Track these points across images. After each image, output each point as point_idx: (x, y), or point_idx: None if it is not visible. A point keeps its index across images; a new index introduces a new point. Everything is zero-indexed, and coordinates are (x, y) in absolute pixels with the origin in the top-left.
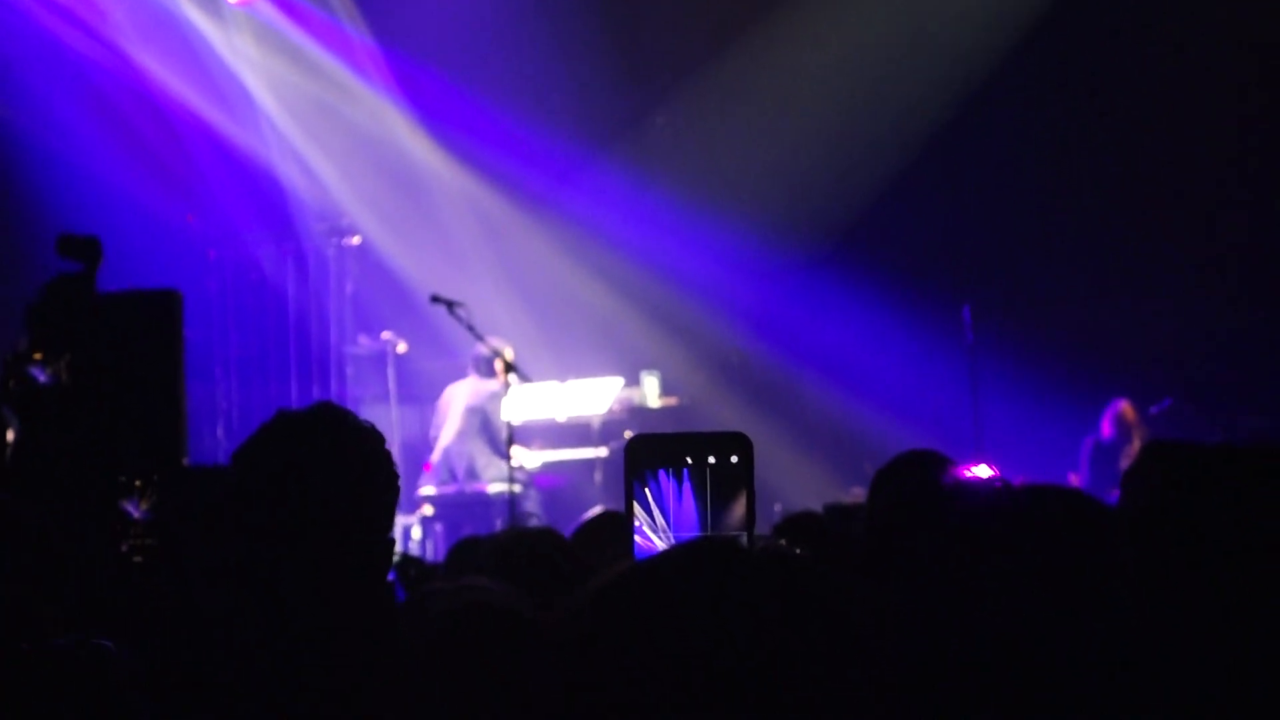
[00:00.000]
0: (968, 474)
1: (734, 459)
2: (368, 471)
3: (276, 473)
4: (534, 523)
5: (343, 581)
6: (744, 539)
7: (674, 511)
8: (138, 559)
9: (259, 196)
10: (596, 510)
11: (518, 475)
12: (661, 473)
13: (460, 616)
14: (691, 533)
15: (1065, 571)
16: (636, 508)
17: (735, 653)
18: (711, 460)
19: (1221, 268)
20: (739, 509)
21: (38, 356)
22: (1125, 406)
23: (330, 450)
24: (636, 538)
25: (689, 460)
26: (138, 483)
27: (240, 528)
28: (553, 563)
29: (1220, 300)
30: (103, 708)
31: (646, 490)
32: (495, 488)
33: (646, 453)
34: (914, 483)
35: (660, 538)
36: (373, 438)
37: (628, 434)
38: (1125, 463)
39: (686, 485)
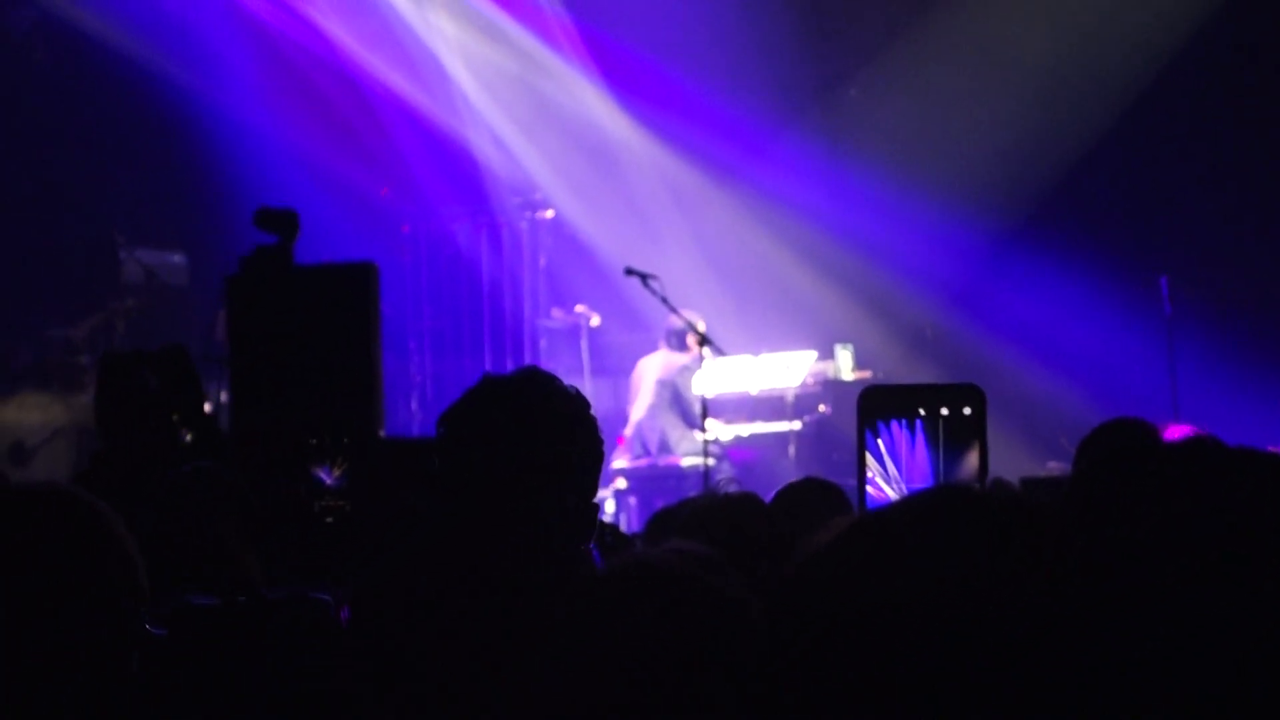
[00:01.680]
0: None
1: (966, 410)
2: (574, 435)
3: (484, 435)
4: (733, 488)
5: (548, 544)
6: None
7: (906, 462)
8: (329, 520)
9: (453, 171)
10: (797, 479)
11: (711, 448)
12: (894, 423)
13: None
14: (925, 483)
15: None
16: (868, 458)
17: (980, 600)
18: (944, 412)
19: None
20: (972, 460)
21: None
22: None
23: (537, 413)
24: (868, 488)
25: (922, 411)
26: (331, 449)
27: (447, 489)
28: (753, 529)
29: None
30: (322, 659)
31: (879, 441)
32: (688, 461)
33: (879, 403)
34: (1122, 447)
35: (893, 488)
36: (578, 402)
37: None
38: None
39: (920, 436)
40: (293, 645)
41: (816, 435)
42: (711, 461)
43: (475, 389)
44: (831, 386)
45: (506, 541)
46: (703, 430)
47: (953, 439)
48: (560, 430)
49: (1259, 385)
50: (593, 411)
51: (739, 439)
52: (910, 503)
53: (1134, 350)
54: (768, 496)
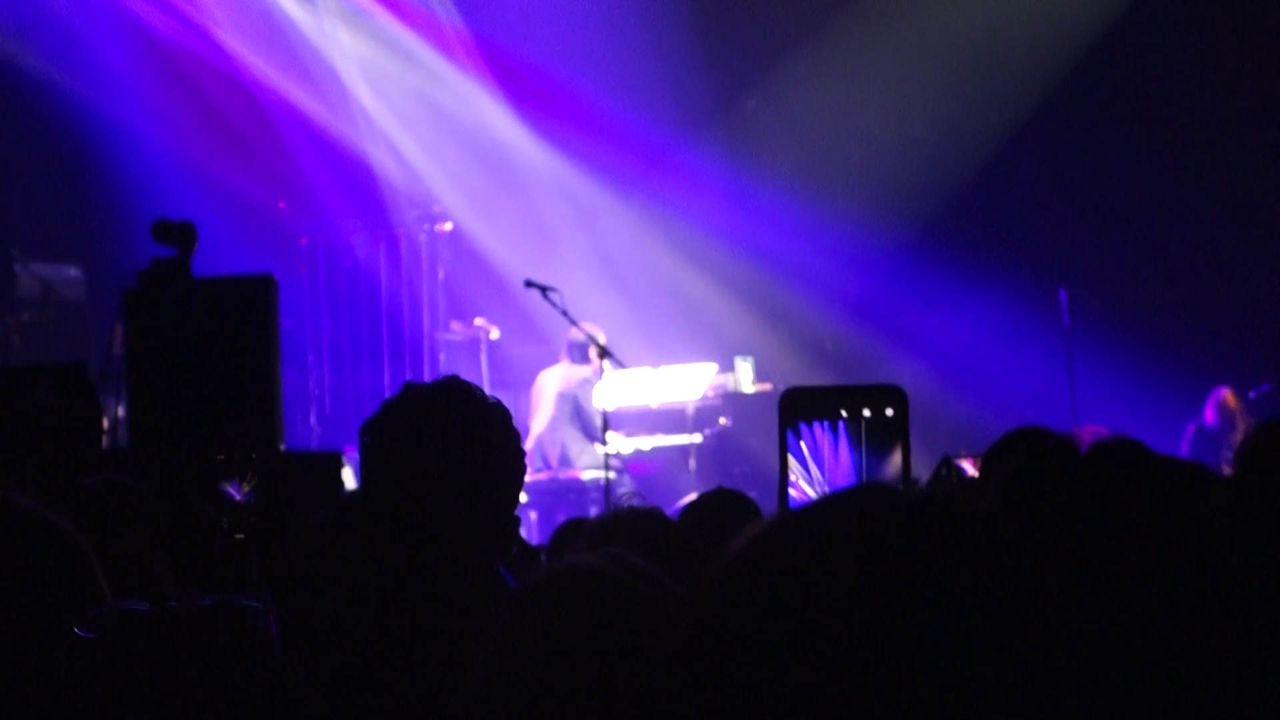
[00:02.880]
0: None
1: (889, 411)
2: (495, 444)
3: (407, 443)
4: (637, 502)
5: (470, 553)
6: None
7: (829, 463)
8: (239, 535)
9: (351, 183)
10: (693, 495)
11: (612, 462)
12: (816, 425)
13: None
14: (848, 484)
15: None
16: (790, 460)
17: (908, 598)
18: (867, 413)
19: None
20: (895, 461)
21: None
22: (1228, 394)
23: (459, 421)
24: (790, 490)
25: (844, 413)
26: (237, 464)
27: (370, 497)
28: (659, 543)
29: None
30: (254, 664)
31: (802, 442)
32: (589, 474)
33: (801, 405)
34: (1029, 455)
35: (815, 489)
36: (500, 412)
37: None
38: (1228, 450)
39: (842, 437)
40: (223, 652)
41: (717, 448)
42: (612, 475)
43: (397, 398)
44: (732, 399)
45: (429, 550)
46: (603, 443)
47: (875, 440)
48: (482, 439)
49: (1155, 394)
50: (514, 422)
51: (639, 452)
52: (833, 500)
53: (1033, 361)
54: (669, 509)
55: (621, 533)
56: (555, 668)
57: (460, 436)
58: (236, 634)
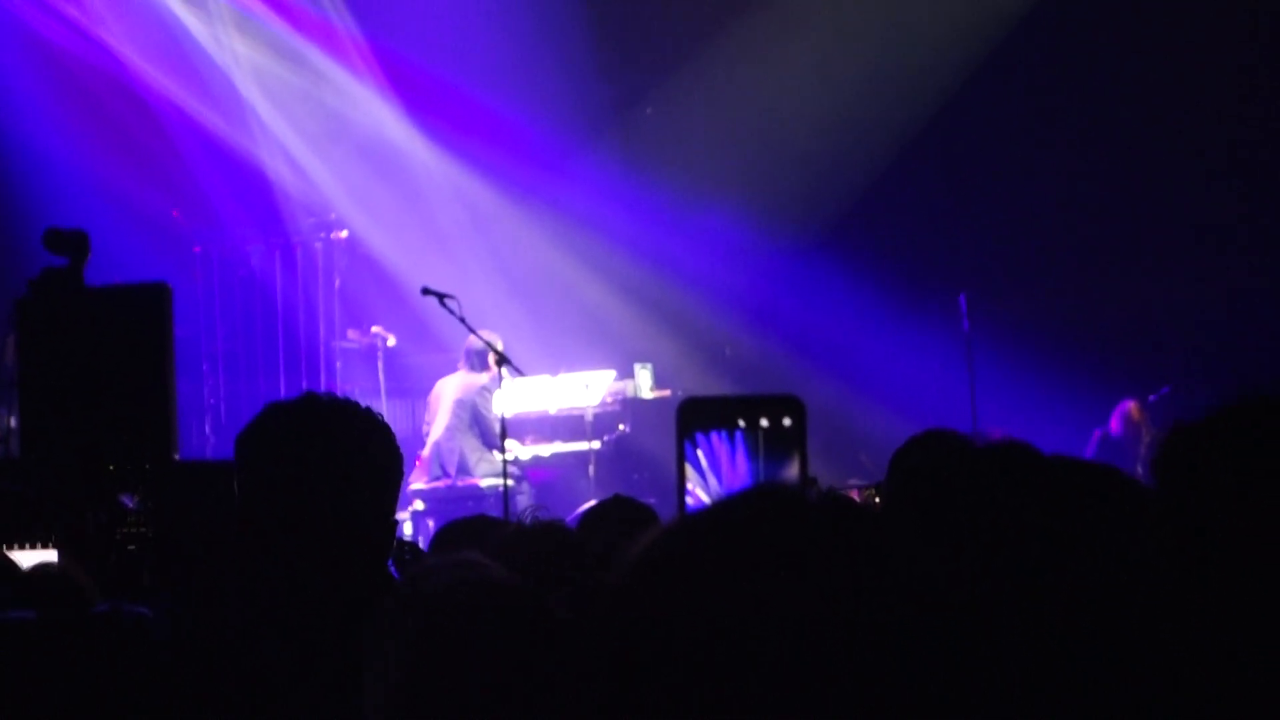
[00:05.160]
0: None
1: (787, 421)
2: (365, 450)
3: (279, 455)
4: (541, 515)
5: (343, 563)
6: None
7: (726, 473)
8: (132, 547)
9: (245, 191)
10: (592, 503)
11: (510, 469)
12: (714, 434)
13: (457, 594)
14: None
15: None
16: (688, 469)
17: (810, 597)
18: (764, 423)
19: (1217, 252)
20: (792, 470)
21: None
22: (1133, 406)
23: (325, 430)
24: (688, 499)
25: (742, 423)
26: (131, 474)
27: (244, 509)
28: (563, 558)
29: (1218, 285)
30: (144, 672)
31: (699, 452)
32: (487, 482)
33: (698, 414)
34: (926, 454)
35: (712, 499)
36: (369, 418)
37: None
38: (1135, 462)
39: (740, 447)
40: (113, 659)
41: (616, 454)
42: (511, 482)
43: (268, 408)
44: (631, 405)
45: (304, 560)
46: (502, 451)
47: (773, 449)
48: (350, 446)
49: (1056, 399)
50: (388, 427)
51: (538, 459)
52: (729, 501)
53: (933, 366)
54: (568, 516)
55: (522, 550)
56: (430, 673)
57: (322, 449)
58: (127, 641)
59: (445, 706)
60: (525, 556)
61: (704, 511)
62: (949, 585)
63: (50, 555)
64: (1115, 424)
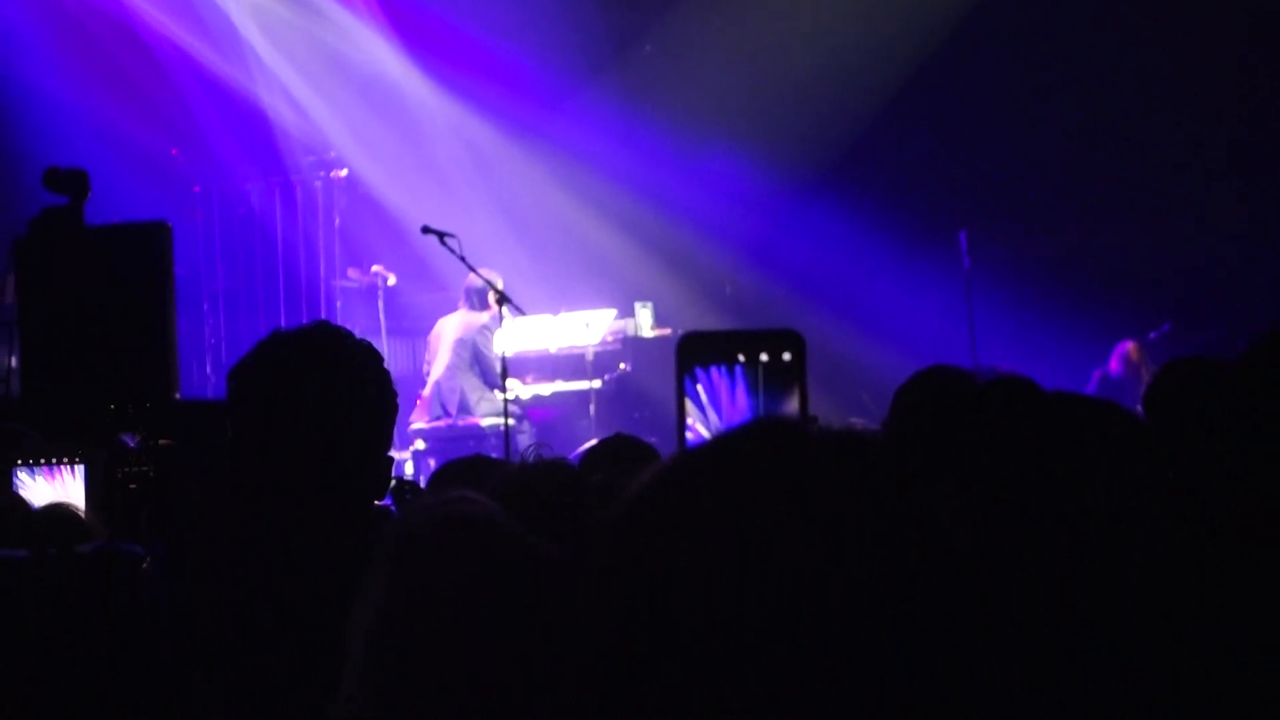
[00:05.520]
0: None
1: (786, 356)
2: (363, 384)
3: (272, 387)
4: (545, 453)
5: (340, 498)
6: None
7: (726, 408)
8: (133, 486)
9: (245, 130)
10: (593, 441)
11: (511, 408)
12: (714, 369)
13: (438, 528)
14: None
15: (1113, 482)
16: (688, 404)
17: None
18: (764, 357)
19: (1218, 190)
20: (792, 405)
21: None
22: (1133, 347)
23: (324, 363)
24: (688, 434)
25: (741, 358)
26: (131, 413)
27: (238, 444)
28: (568, 495)
29: (1218, 222)
30: (132, 611)
31: (699, 387)
32: (488, 421)
33: (698, 350)
34: (928, 389)
35: (712, 433)
36: (367, 353)
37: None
38: (1134, 400)
39: (740, 382)
40: (104, 597)
41: (617, 393)
42: (512, 421)
43: (262, 343)
44: (631, 344)
45: (300, 495)
46: (502, 390)
47: (773, 384)
48: (348, 380)
49: (1056, 338)
50: (384, 363)
51: (539, 398)
52: (730, 434)
53: (933, 305)
54: (569, 454)
55: (527, 487)
56: (433, 608)
57: (328, 376)
58: (117, 580)
59: (420, 641)
60: (527, 494)
61: (702, 446)
62: (951, 521)
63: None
64: (1115, 364)
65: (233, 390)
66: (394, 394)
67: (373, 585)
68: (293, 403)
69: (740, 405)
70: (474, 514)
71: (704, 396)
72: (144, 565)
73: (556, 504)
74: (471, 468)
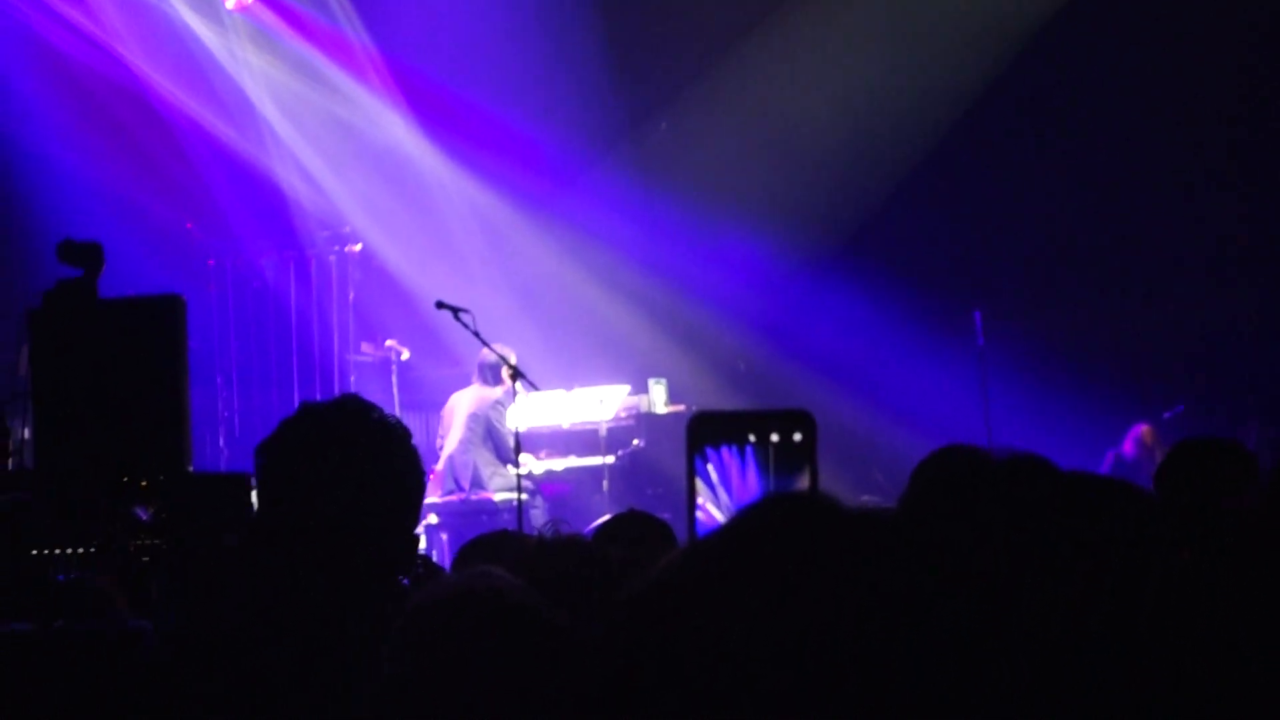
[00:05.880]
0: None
1: (797, 436)
2: (393, 462)
3: (302, 462)
4: (563, 529)
5: (365, 576)
6: None
7: (737, 488)
8: (145, 559)
9: (260, 204)
10: (606, 517)
11: (524, 483)
12: (724, 449)
13: (459, 604)
14: None
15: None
16: (699, 484)
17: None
18: (775, 438)
19: (1232, 271)
20: (803, 484)
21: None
22: (1147, 430)
23: (355, 439)
24: (698, 514)
25: (752, 438)
26: (144, 486)
27: (266, 519)
28: (584, 571)
29: (1233, 304)
30: (140, 685)
31: (710, 466)
32: (501, 496)
33: (709, 429)
34: (958, 468)
35: (724, 514)
36: (398, 429)
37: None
38: (1147, 483)
39: (750, 462)
40: (109, 672)
41: (630, 469)
42: (525, 496)
43: (292, 417)
44: (645, 420)
45: (329, 570)
46: (516, 465)
47: (783, 464)
48: (379, 457)
49: (1070, 417)
50: (413, 440)
51: (552, 473)
52: (746, 515)
53: (947, 383)
54: (583, 530)
55: (544, 563)
56: (448, 680)
57: (356, 454)
58: (120, 656)
59: (438, 713)
60: (546, 571)
61: (719, 529)
62: (966, 592)
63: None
64: (1129, 446)
65: (262, 463)
66: (422, 471)
67: (387, 656)
68: (321, 478)
69: (751, 485)
70: (489, 588)
71: (714, 476)
72: (148, 640)
73: (573, 578)
74: (494, 544)
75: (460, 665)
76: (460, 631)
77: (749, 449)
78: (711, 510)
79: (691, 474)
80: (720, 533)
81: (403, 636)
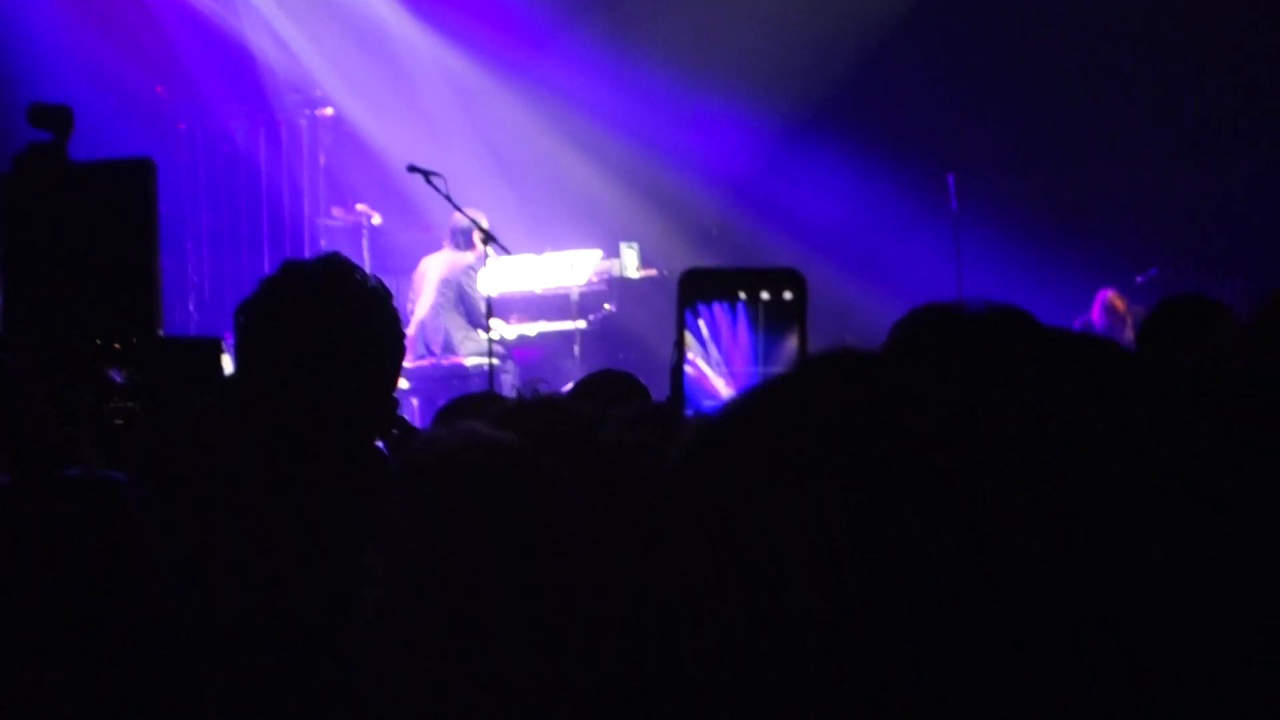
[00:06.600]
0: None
1: (787, 295)
2: (373, 321)
3: (284, 319)
4: (543, 389)
5: (344, 436)
6: None
7: (727, 344)
8: (119, 421)
9: (230, 68)
10: (595, 371)
11: (495, 348)
12: (715, 305)
13: (462, 456)
14: (746, 366)
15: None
16: (688, 338)
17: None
18: (765, 296)
19: (1207, 132)
20: (792, 344)
21: None
22: (1113, 296)
23: (337, 297)
24: (688, 368)
25: (742, 295)
26: (117, 349)
27: (246, 376)
28: (564, 427)
29: (1208, 167)
30: (116, 538)
31: (700, 322)
32: (472, 360)
33: (700, 286)
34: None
35: (714, 369)
36: (380, 292)
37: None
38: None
39: (741, 318)
40: (86, 523)
41: (602, 333)
42: (496, 361)
43: (275, 275)
44: (617, 284)
45: (307, 431)
46: (487, 329)
47: (773, 322)
48: (362, 317)
49: (1043, 280)
50: (394, 302)
51: (523, 338)
52: (801, 370)
53: (920, 247)
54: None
55: (524, 420)
56: (462, 537)
57: (340, 314)
58: (99, 506)
59: (456, 571)
60: (527, 427)
61: (775, 379)
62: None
63: None
64: (1096, 313)
65: (241, 324)
66: (402, 334)
67: (382, 520)
68: (304, 336)
69: (741, 341)
70: (481, 440)
71: (705, 331)
72: (128, 492)
73: (548, 435)
74: (478, 402)
75: (464, 517)
76: (466, 481)
77: (740, 305)
78: (700, 364)
79: (681, 327)
80: (776, 382)
81: (402, 496)
